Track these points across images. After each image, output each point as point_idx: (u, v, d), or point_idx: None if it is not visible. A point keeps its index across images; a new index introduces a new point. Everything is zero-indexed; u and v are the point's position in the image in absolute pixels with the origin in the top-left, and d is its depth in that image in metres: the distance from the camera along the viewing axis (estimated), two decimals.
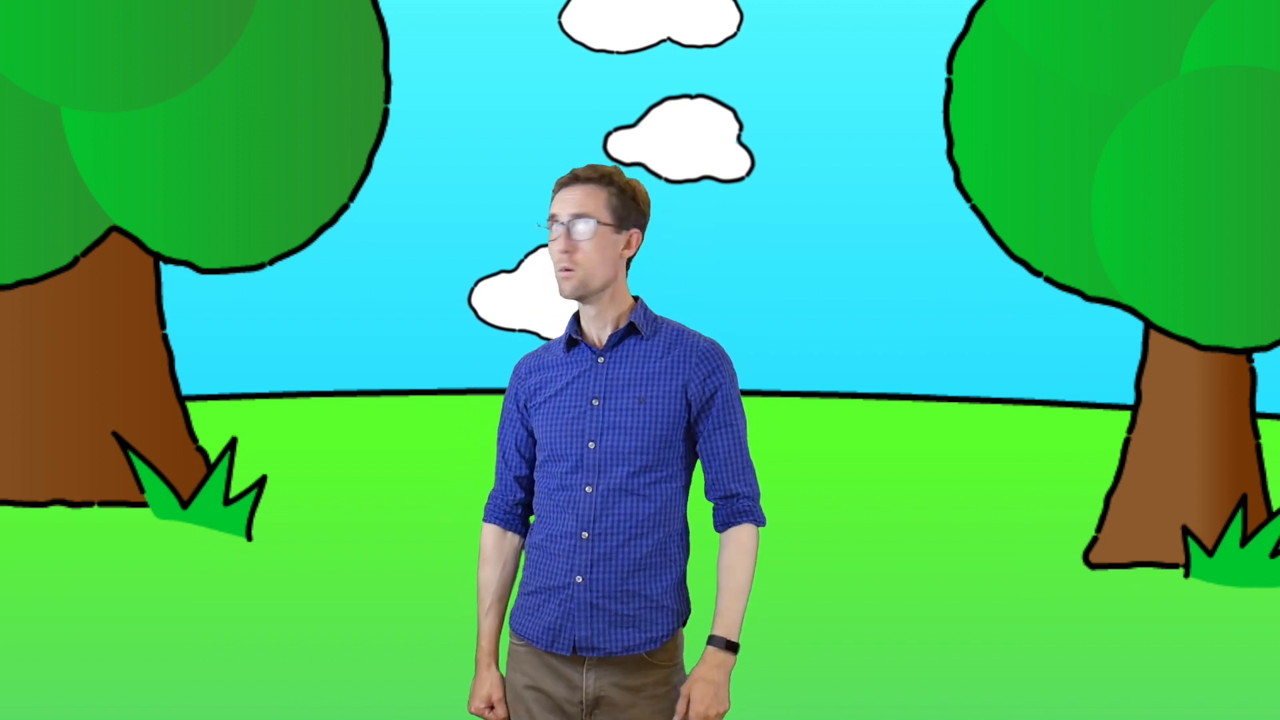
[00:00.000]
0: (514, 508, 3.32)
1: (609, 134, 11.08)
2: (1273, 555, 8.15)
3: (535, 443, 3.26)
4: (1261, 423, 8.71)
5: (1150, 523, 8.56)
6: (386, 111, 8.83)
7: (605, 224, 3.12)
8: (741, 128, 11.13)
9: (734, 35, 10.91)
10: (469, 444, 9.10)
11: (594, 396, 3.12)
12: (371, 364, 12.55)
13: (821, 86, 11.64)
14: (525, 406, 3.25)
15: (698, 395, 3.12)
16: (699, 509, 3.27)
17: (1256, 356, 8.60)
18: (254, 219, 8.78)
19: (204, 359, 10.73)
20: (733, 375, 3.17)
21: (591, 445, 3.09)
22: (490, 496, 3.36)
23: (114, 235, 8.84)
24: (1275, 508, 8.57)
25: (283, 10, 8.67)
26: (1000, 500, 10.01)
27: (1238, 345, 8.29)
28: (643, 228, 3.20)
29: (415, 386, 12.38)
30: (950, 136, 8.40)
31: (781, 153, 11.48)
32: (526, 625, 3.16)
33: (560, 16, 10.92)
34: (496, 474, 3.35)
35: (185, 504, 8.77)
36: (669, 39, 11.12)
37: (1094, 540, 8.64)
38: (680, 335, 3.18)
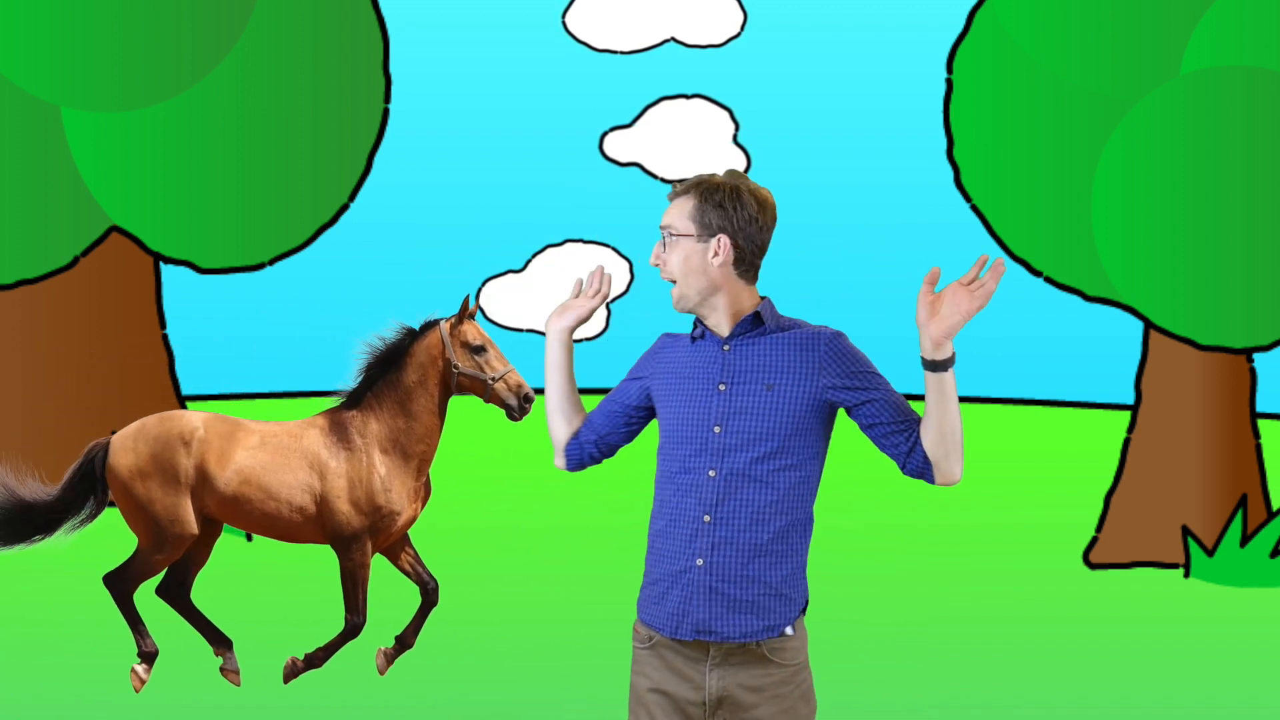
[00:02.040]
0: (584, 446, 3.42)
1: (605, 134, 11.08)
2: (1273, 555, 8.15)
3: (634, 417, 3.35)
4: (1261, 423, 8.71)
5: (1150, 523, 8.56)
6: (386, 111, 8.83)
7: (684, 235, 3.14)
8: (738, 128, 11.13)
9: (737, 35, 10.90)
10: (471, 444, 9.12)
11: (720, 382, 3.12)
12: None
13: (821, 86, 11.64)
14: (649, 380, 3.30)
15: (839, 384, 3.09)
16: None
17: (1256, 356, 8.60)
18: (254, 219, 8.79)
19: (204, 359, 10.73)
20: (861, 354, 3.15)
21: (717, 429, 3.08)
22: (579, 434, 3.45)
23: (114, 235, 8.84)
24: (1275, 508, 8.57)
25: (283, 10, 8.68)
26: (1000, 500, 10.01)
27: (1238, 345, 8.29)
28: (735, 233, 3.14)
29: None
30: (950, 136, 8.40)
31: (779, 153, 11.48)
32: (653, 613, 3.14)
33: (564, 17, 10.91)
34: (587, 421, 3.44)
35: None
36: (673, 39, 11.11)
37: (1094, 540, 8.64)
38: (807, 330, 3.17)
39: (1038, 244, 8.33)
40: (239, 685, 6.04)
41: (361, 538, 5.93)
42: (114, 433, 6.15)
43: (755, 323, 3.15)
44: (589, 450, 3.40)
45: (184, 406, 9.42)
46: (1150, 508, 8.57)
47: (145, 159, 8.60)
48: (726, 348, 3.15)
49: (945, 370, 2.94)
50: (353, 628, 5.98)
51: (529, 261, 11.19)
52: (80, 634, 6.75)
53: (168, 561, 6.04)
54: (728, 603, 3.06)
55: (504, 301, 11.09)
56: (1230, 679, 6.30)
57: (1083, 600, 7.75)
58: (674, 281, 3.17)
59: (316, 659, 6.02)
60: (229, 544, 6.38)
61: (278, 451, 5.97)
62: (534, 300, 11.02)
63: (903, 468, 3.07)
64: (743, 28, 10.88)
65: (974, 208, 8.38)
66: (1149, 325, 8.49)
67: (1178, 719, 5.82)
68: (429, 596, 6.13)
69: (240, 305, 11.59)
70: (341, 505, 5.90)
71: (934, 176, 8.77)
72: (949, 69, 8.40)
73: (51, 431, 9.29)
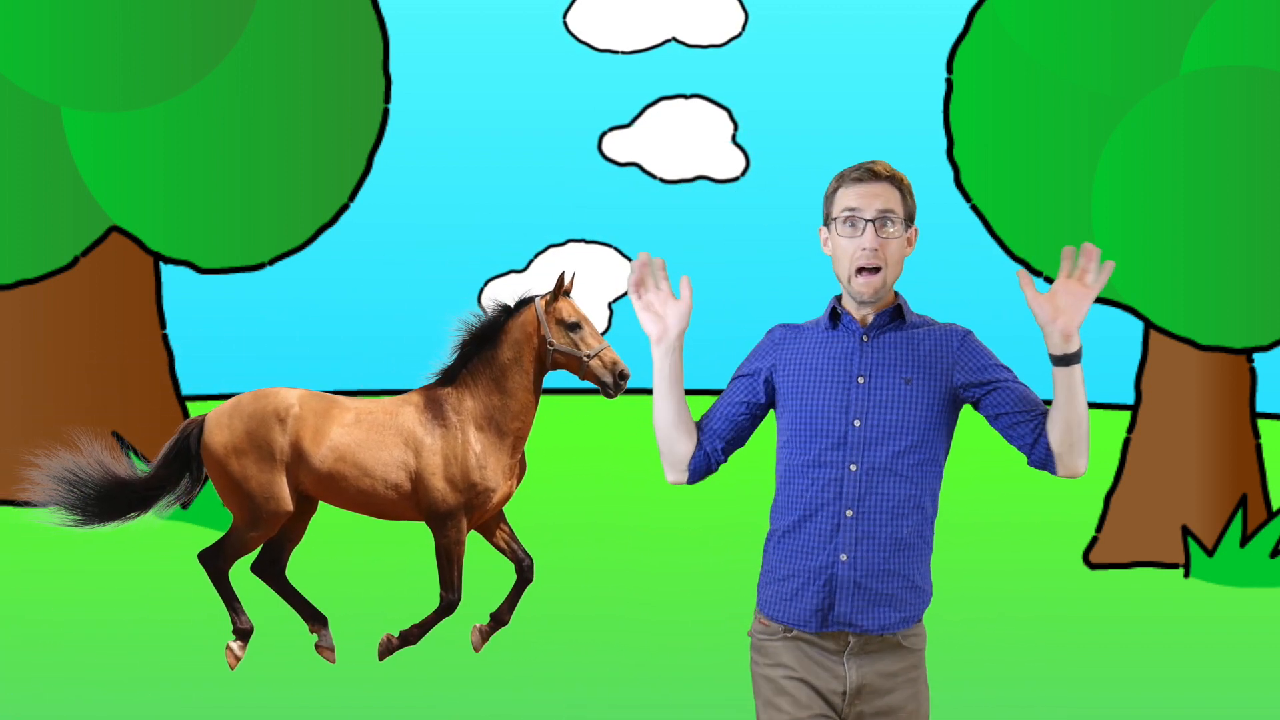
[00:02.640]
0: (710, 455, 3.26)
1: (604, 134, 11.08)
2: (1273, 555, 8.15)
3: (759, 415, 3.25)
4: (1261, 423, 8.71)
5: (1150, 523, 8.56)
6: (386, 111, 8.83)
7: (901, 222, 3.13)
8: (736, 128, 11.13)
9: (739, 35, 10.90)
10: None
11: (860, 374, 3.10)
12: (372, 364, 12.55)
13: (820, 86, 11.63)
14: (770, 372, 3.21)
15: (971, 380, 3.10)
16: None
17: (1256, 356, 8.60)
18: (254, 219, 8.78)
19: (204, 359, 10.72)
20: (989, 350, 3.18)
21: (857, 423, 3.07)
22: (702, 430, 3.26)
23: (114, 235, 8.84)
24: (1275, 508, 8.56)
25: (283, 10, 8.68)
26: (1001, 500, 10.00)
27: (1238, 345, 8.28)
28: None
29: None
30: (950, 136, 8.40)
31: (777, 153, 11.47)
32: (787, 611, 3.12)
33: (565, 16, 10.91)
34: (708, 416, 3.28)
35: (185, 504, 8.78)
36: (674, 39, 11.11)
37: (1094, 540, 8.64)
38: (940, 327, 3.18)
39: (1038, 244, 8.33)
40: (334, 662, 6.05)
41: (456, 515, 5.94)
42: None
43: (895, 315, 3.15)
44: (716, 458, 3.29)
45: (184, 406, 9.42)
46: (1150, 508, 8.57)
47: (145, 159, 8.59)
48: (866, 339, 3.13)
49: (1075, 364, 2.96)
50: (448, 605, 5.99)
51: (531, 261, 11.18)
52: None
53: (263, 538, 6.06)
54: (870, 597, 3.08)
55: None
56: (1230, 679, 6.30)
57: (1083, 600, 7.75)
58: (878, 269, 3.10)
59: (411, 636, 6.03)
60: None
61: (373, 428, 5.98)
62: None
63: (1028, 458, 3.09)
64: (744, 28, 10.88)
65: (974, 208, 8.37)
66: (1149, 325, 8.49)
67: (1178, 719, 5.82)
68: (524, 573, 6.13)
69: (240, 305, 11.59)
70: (437, 482, 5.91)
71: (934, 176, 8.76)
72: (949, 69, 8.40)
73: (51, 431, 9.28)
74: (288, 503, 5.95)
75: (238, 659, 6.01)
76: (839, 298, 3.21)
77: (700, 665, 6.19)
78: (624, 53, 11.06)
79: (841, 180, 3.17)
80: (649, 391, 3.30)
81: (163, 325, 9.42)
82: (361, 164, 8.82)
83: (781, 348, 3.21)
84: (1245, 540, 8.19)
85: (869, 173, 3.14)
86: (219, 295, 10.86)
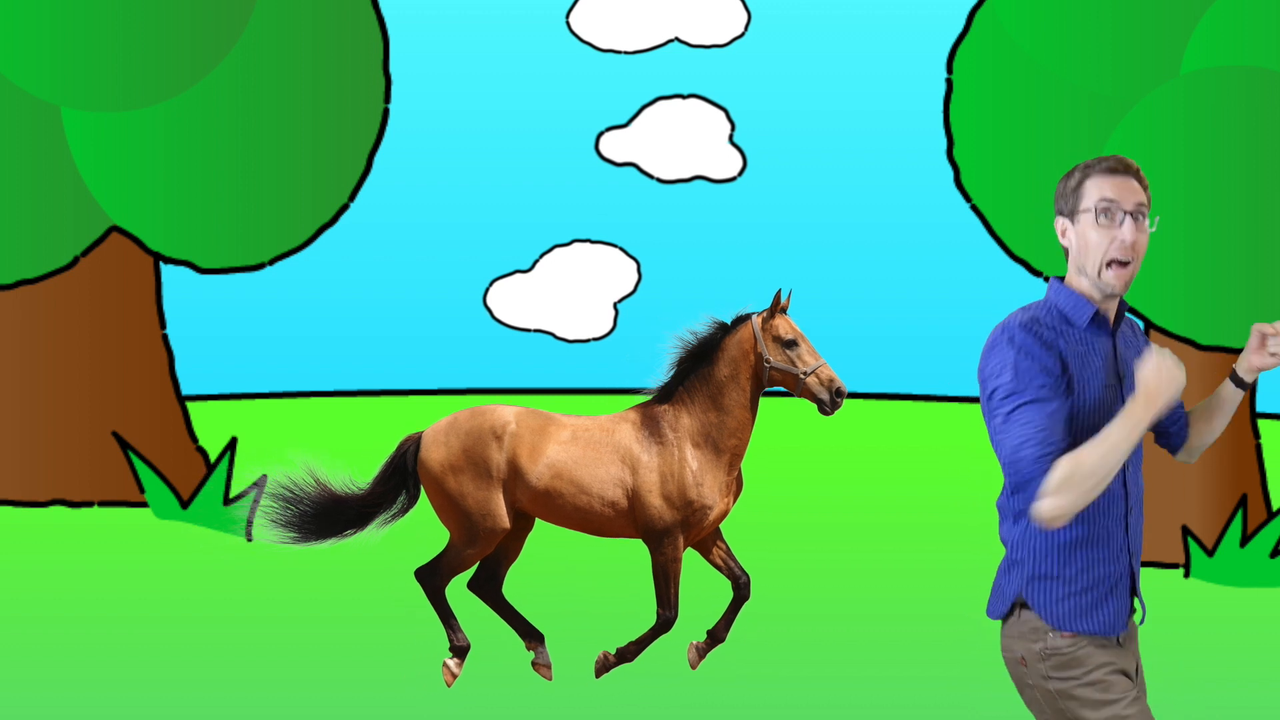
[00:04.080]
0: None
1: (601, 134, 11.08)
2: (1273, 555, 8.15)
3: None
4: (1261, 423, 8.71)
5: (1150, 523, 8.54)
6: (386, 111, 8.83)
7: (1147, 216, 3.12)
8: (733, 127, 11.13)
9: (742, 35, 10.90)
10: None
11: (1118, 371, 3.14)
12: (373, 364, 12.55)
13: (820, 86, 11.64)
14: (1064, 373, 3.07)
15: None
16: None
17: None
18: (254, 219, 8.79)
19: (204, 359, 10.74)
20: None
21: None
22: (1039, 449, 3.00)
23: (114, 235, 8.84)
24: (1275, 508, 8.57)
25: (283, 10, 8.68)
26: None
27: (1238, 345, 8.29)
28: None
29: (431, 386, 12.38)
30: (950, 136, 8.40)
31: (774, 152, 11.47)
32: (1088, 621, 3.10)
33: (568, 17, 10.90)
34: (1037, 440, 3.00)
35: (185, 504, 8.77)
36: (677, 39, 11.11)
37: None
38: (1129, 321, 3.30)
39: (1038, 244, 8.33)
40: (551, 679, 6.04)
41: (673, 532, 5.93)
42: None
43: (1120, 315, 3.18)
44: None
45: (184, 406, 9.42)
46: (1150, 508, 8.53)
47: (145, 159, 8.59)
48: (1115, 335, 3.18)
49: (1245, 390, 3.41)
50: (664, 622, 5.97)
51: (536, 262, 11.18)
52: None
53: (480, 556, 6.05)
54: (1134, 589, 3.17)
55: (512, 301, 11.09)
56: (1230, 679, 6.30)
57: None
58: (1131, 261, 3.08)
59: (628, 653, 6.01)
60: (229, 544, 6.37)
61: (589, 445, 5.99)
62: (542, 300, 11.02)
63: (1170, 440, 3.44)
64: (746, 28, 10.88)
65: (974, 208, 8.38)
66: (1149, 325, 8.50)
67: (1177, 719, 5.82)
68: (741, 591, 6.09)
69: (240, 305, 11.60)
70: (654, 500, 5.91)
71: (934, 176, 8.77)
72: (949, 69, 8.40)
73: (52, 431, 9.29)
74: (504, 520, 5.95)
75: (454, 676, 5.98)
76: (1068, 290, 3.15)
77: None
78: (627, 53, 11.06)
79: (1089, 172, 3.13)
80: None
81: (163, 325, 9.42)
82: (361, 164, 8.82)
83: (1058, 349, 3.07)
84: (1245, 540, 8.19)
85: (1123, 165, 3.10)
86: (219, 295, 10.87)
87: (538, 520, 6.24)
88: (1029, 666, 3.21)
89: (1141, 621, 3.20)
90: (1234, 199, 8.10)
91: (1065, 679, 3.13)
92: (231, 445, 8.74)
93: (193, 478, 9.02)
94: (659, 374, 6.12)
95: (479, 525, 5.94)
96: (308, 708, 5.78)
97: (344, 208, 8.84)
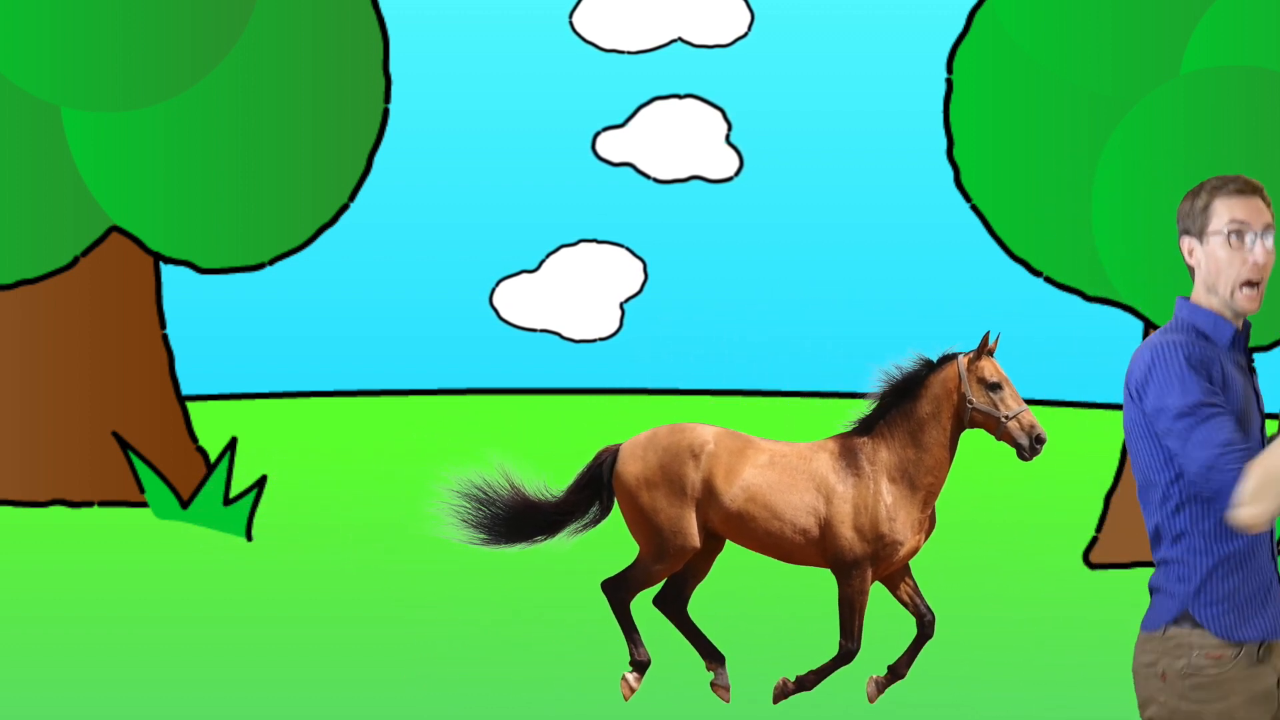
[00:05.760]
0: None
1: (597, 134, 11.06)
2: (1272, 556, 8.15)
3: None
4: (1268, 422, 8.69)
5: None
6: (386, 111, 8.83)
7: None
8: (730, 127, 11.11)
9: (745, 35, 10.88)
10: (479, 443, 9.09)
11: (1256, 391, 3.27)
12: (373, 364, 12.54)
13: (820, 86, 11.62)
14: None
15: None
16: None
17: (1256, 356, 8.58)
18: (254, 219, 8.79)
19: (204, 359, 10.72)
20: None
21: (1259, 434, 3.22)
22: (1236, 459, 3.07)
23: (114, 235, 8.84)
24: None
25: (283, 10, 8.68)
26: (1000, 500, 10.00)
27: None
28: None
29: (437, 386, 12.35)
30: (950, 136, 8.40)
31: (772, 153, 11.45)
32: (1253, 628, 3.13)
33: (571, 16, 10.89)
34: (1228, 452, 3.07)
35: (185, 504, 8.77)
36: (680, 39, 11.09)
37: (1094, 540, 8.63)
38: None
39: (1038, 244, 8.33)
40: (728, 701, 6.02)
41: (862, 564, 5.95)
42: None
43: (1247, 329, 3.26)
44: None
45: (184, 406, 9.41)
46: None
47: (145, 159, 8.59)
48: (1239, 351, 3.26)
49: None
50: (846, 653, 5.98)
51: (543, 261, 11.16)
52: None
53: (668, 572, 6.07)
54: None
55: (518, 302, 11.06)
56: None
57: (1083, 600, 7.74)
58: (1258, 283, 3.16)
59: (807, 682, 6.00)
60: (229, 544, 6.37)
61: (786, 471, 6.00)
62: (548, 300, 10.99)
63: None
64: (749, 28, 10.87)
65: (974, 208, 8.38)
66: (1149, 325, 8.50)
67: None
68: (925, 629, 6.09)
69: (240, 305, 11.59)
70: (845, 531, 5.92)
71: (934, 176, 8.77)
72: (949, 69, 8.40)
73: (52, 431, 9.29)
74: (695, 539, 5.96)
75: (632, 690, 5.99)
76: (1203, 310, 3.29)
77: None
78: (629, 53, 11.05)
79: (1216, 193, 3.19)
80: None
81: (163, 325, 9.42)
82: (361, 164, 8.82)
83: (1210, 364, 3.20)
84: None
85: (1250, 186, 3.16)
86: (219, 295, 10.87)
87: (728, 542, 6.24)
88: (1168, 682, 3.22)
89: None
90: None
91: (1198, 702, 3.17)
92: (231, 445, 8.74)
93: (193, 478, 9.02)
94: (860, 408, 6.13)
95: (669, 542, 5.96)
96: (308, 708, 5.78)
97: (344, 208, 8.84)
